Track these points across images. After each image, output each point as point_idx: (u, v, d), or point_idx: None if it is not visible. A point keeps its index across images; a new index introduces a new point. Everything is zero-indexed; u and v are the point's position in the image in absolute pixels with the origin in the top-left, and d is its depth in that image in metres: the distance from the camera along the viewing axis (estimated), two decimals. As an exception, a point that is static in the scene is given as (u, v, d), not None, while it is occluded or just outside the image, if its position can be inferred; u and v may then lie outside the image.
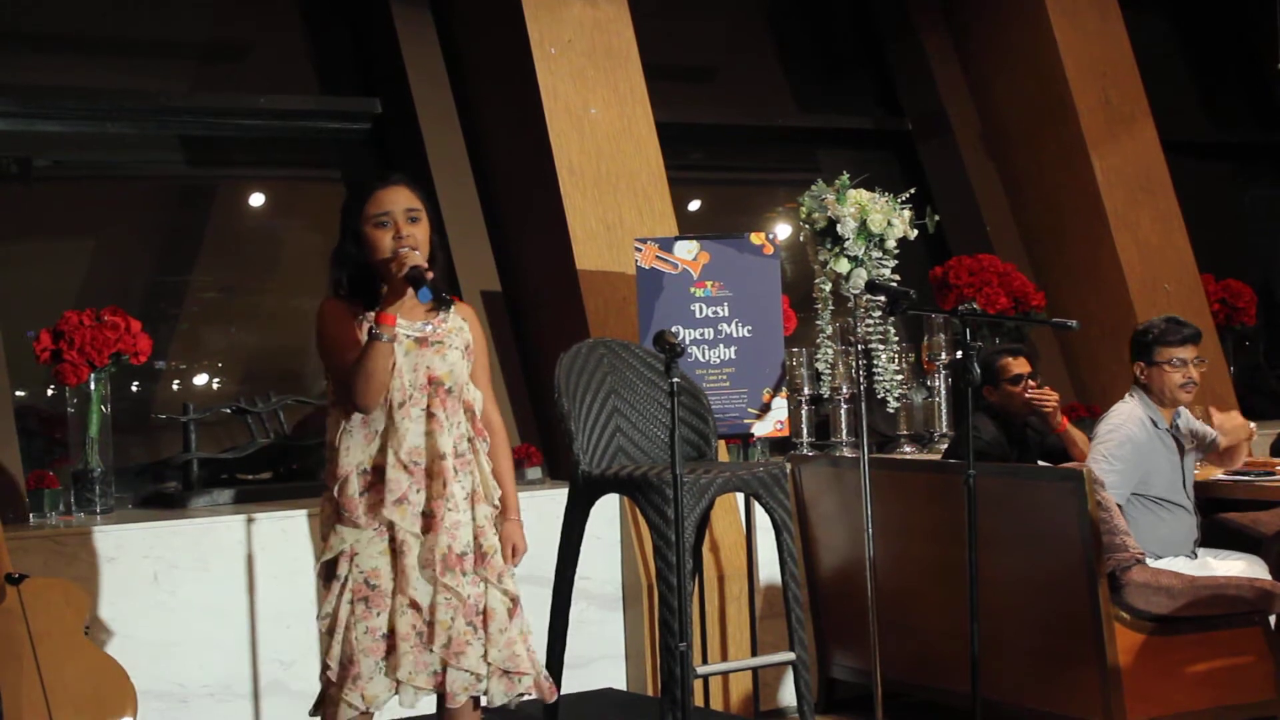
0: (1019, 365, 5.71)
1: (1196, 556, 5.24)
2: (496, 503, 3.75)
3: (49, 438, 5.65)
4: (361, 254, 3.67)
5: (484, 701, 3.69)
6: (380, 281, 3.67)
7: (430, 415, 3.64)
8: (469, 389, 3.74)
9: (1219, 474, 5.63)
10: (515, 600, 3.73)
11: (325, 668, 3.63)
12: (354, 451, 3.63)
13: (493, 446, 3.80)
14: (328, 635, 3.62)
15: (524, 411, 6.18)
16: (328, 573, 3.64)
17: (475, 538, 3.67)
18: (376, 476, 3.62)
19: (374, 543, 3.61)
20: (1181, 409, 5.38)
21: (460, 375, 3.71)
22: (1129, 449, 5.14)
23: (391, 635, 3.59)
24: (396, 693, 3.61)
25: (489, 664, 3.64)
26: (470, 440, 3.71)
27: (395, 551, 3.61)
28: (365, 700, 3.57)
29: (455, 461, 3.65)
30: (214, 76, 6.62)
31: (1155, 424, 5.23)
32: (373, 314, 3.62)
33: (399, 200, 3.68)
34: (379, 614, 3.59)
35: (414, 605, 3.59)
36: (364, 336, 3.61)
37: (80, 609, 4.40)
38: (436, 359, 3.67)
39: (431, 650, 3.59)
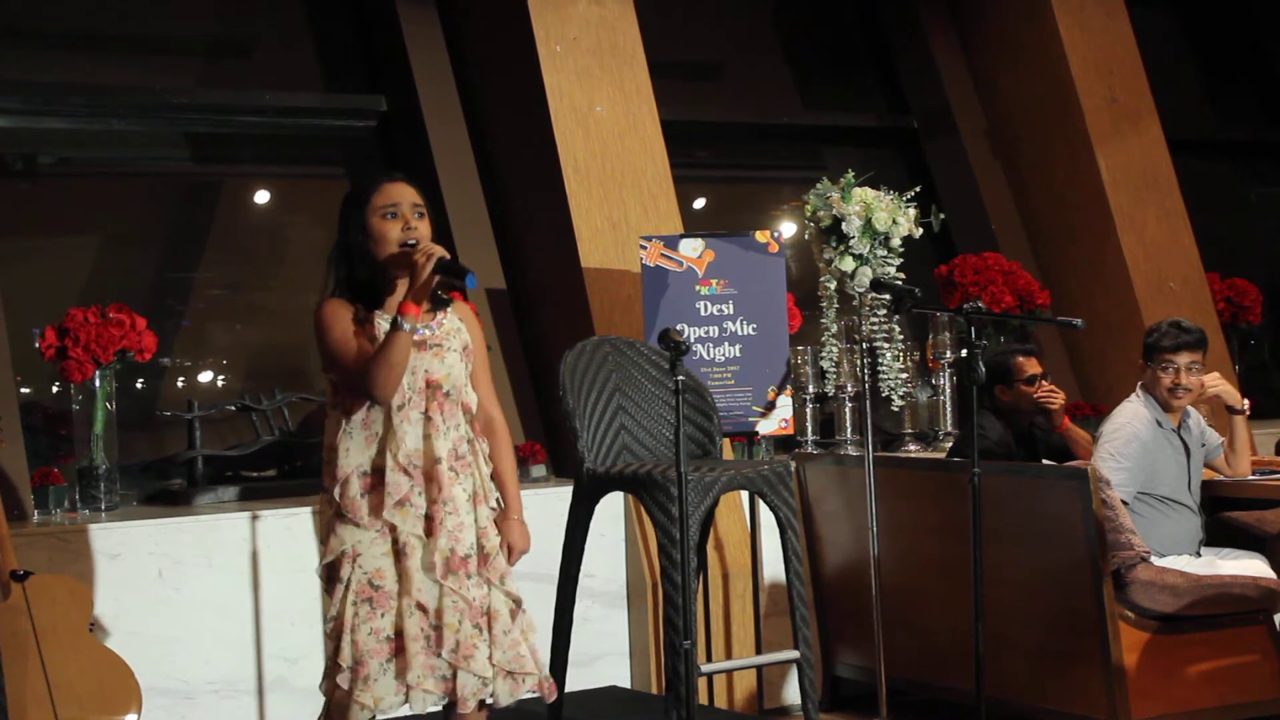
0: (1032, 365, 5.71)
1: (1201, 555, 5.25)
2: (494, 504, 3.74)
3: (54, 434, 5.65)
4: (367, 246, 3.66)
5: (489, 702, 3.69)
6: (384, 277, 3.67)
7: (428, 419, 3.63)
8: (467, 391, 3.73)
9: (1226, 471, 5.63)
10: (518, 602, 3.73)
11: (333, 672, 3.60)
12: (354, 453, 3.62)
13: (496, 446, 3.79)
14: (333, 638, 3.60)
15: (529, 409, 6.18)
16: (330, 575, 3.63)
17: (478, 539, 3.66)
18: (377, 478, 3.61)
19: (376, 544, 3.60)
20: (1191, 411, 5.38)
21: (458, 378, 3.70)
22: (1135, 447, 5.15)
23: (399, 637, 3.58)
24: (406, 698, 3.58)
25: (494, 665, 3.63)
26: (470, 442, 3.70)
27: (398, 554, 3.60)
28: (374, 702, 3.56)
29: (456, 464, 3.64)
30: (219, 73, 6.62)
31: (1160, 424, 5.24)
32: (376, 310, 3.64)
33: (406, 194, 3.68)
34: (383, 615, 3.58)
35: (421, 608, 3.58)
36: (380, 330, 3.60)
37: (85, 605, 4.40)
38: (435, 362, 3.66)
39: (440, 655, 3.58)
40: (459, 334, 3.74)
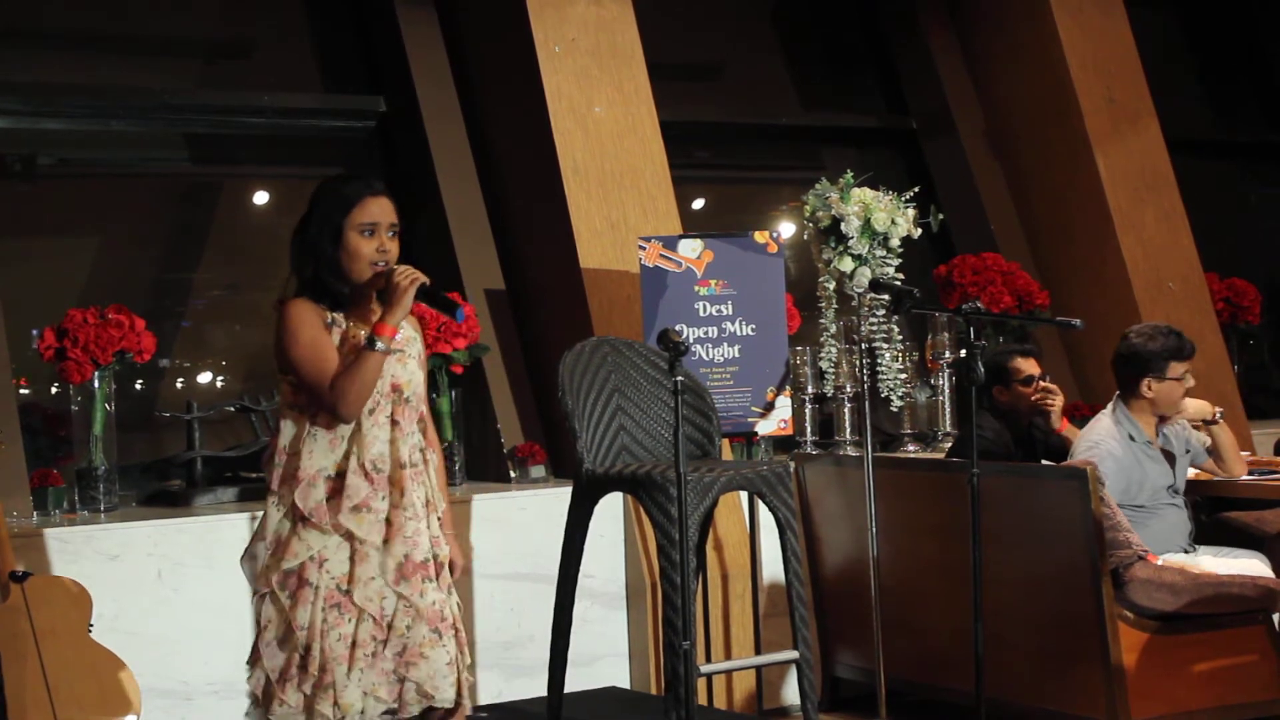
0: (1030, 366, 5.71)
1: (1196, 551, 5.25)
2: (440, 515, 3.73)
3: (53, 435, 5.65)
4: (338, 257, 3.63)
5: (447, 706, 3.65)
6: (347, 285, 3.64)
7: (394, 423, 3.62)
8: (422, 399, 3.73)
9: (1220, 473, 5.63)
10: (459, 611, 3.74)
11: (294, 679, 3.54)
12: (318, 456, 3.58)
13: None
14: (302, 645, 3.54)
15: (528, 410, 6.18)
16: (293, 582, 3.56)
17: (432, 546, 3.65)
18: (340, 482, 3.57)
19: (342, 548, 3.57)
20: (1183, 421, 5.38)
21: (418, 385, 3.70)
22: (1111, 464, 5.13)
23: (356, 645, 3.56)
24: (362, 706, 3.55)
25: (458, 670, 3.62)
26: (422, 450, 3.70)
27: (353, 559, 3.57)
28: (341, 709, 3.52)
29: (411, 471, 3.63)
30: (219, 74, 6.63)
31: (1134, 438, 5.22)
32: (344, 314, 3.63)
33: (386, 213, 3.65)
34: (350, 620, 3.55)
35: (372, 616, 3.55)
36: (360, 341, 3.59)
37: (84, 606, 4.40)
38: (399, 368, 3.65)
39: (387, 658, 3.57)
40: (414, 343, 3.74)
